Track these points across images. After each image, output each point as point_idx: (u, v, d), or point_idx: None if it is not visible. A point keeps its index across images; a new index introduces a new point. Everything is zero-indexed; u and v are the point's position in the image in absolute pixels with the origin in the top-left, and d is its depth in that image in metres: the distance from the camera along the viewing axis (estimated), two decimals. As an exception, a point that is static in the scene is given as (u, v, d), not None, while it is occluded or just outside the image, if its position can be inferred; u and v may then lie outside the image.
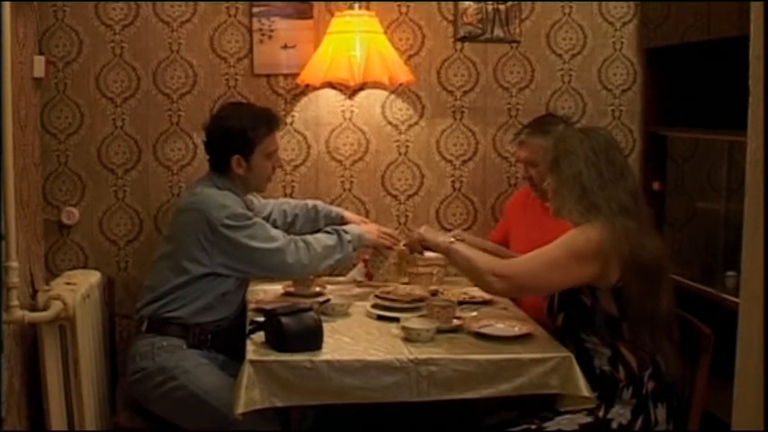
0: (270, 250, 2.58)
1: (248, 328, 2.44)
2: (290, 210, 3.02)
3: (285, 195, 3.26)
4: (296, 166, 3.30)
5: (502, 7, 3.30)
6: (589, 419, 2.25)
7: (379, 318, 2.61)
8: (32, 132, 3.01)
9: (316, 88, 3.23)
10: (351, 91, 3.27)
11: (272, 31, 3.20)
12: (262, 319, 2.39)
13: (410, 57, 3.28)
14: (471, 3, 3.29)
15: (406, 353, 2.26)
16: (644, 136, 3.38)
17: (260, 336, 2.35)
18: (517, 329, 2.45)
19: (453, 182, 3.37)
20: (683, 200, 3.24)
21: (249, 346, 2.32)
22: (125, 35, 3.16)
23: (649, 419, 2.26)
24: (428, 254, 2.74)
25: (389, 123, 3.32)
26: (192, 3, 3.19)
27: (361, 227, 2.84)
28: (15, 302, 2.46)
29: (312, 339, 2.29)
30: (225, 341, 2.65)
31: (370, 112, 3.31)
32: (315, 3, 3.22)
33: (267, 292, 2.90)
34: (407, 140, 3.33)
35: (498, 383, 2.24)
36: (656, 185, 3.30)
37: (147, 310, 2.61)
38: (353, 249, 2.75)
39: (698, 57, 3.08)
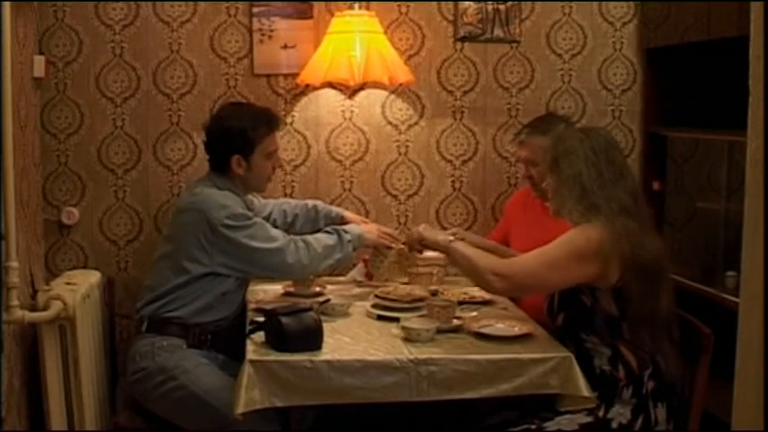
0: (270, 250, 2.58)
1: (248, 328, 2.44)
2: (290, 210, 3.02)
3: (285, 195, 3.26)
4: (296, 166, 3.30)
5: (502, 7, 3.30)
6: (589, 419, 2.25)
7: (379, 318, 2.61)
8: (32, 132, 3.01)
9: (316, 88, 3.23)
10: (351, 91, 3.27)
11: (272, 31, 3.20)
12: (262, 319, 2.39)
13: (410, 57, 3.28)
14: (471, 3, 3.29)
15: (406, 353, 2.26)
16: (644, 136, 3.38)
17: (260, 336, 2.35)
18: (517, 329, 2.45)
19: (453, 182, 3.37)
20: (683, 200, 3.24)
21: (249, 346, 2.32)
22: (125, 35, 3.16)
23: (649, 419, 2.26)
24: (428, 253, 2.74)
25: (389, 123, 3.32)
26: (191, 3, 3.19)
27: (361, 227, 2.84)
28: (15, 302, 2.46)
29: (312, 339, 2.29)
30: (225, 341, 2.65)
31: (370, 112, 3.31)
32: (315, 3, 3.22)
33: (267, 292, 2.90)
34: (407, 140, 3.33)
35: (498, 383, 2.24)
36: (656, 185, 3.30)
37: (147, 309, 2.61)
38: (353, 249, 2.75)
39: (698, 57, 3.08)
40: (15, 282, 2.45)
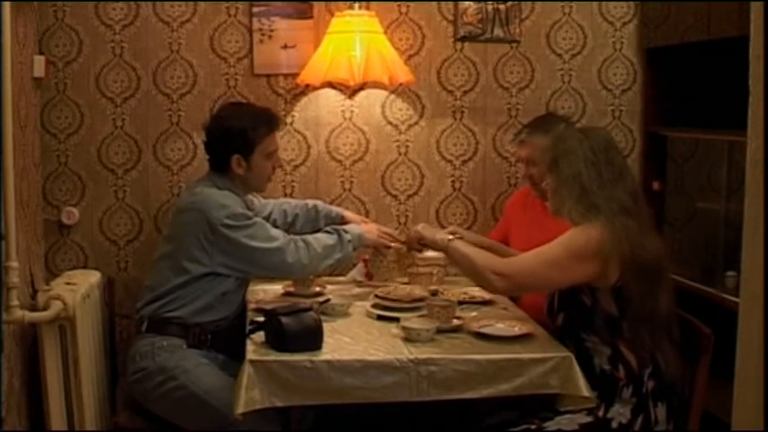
0: (270, 250, 2.58)
1: (248, 328, 2.44)
2: (290, 210, 3.02)
3: (285, 195, 3.26)
4: (296, 166, 3.30)
5: (502, 7, 3.30)
6: (589, 419, 2.25)
7: (379, 318, 2.60)
8: (32, 132, 3.01)
9: (316, 88, 3.23)
10: (351, 91, 3.27)
11: (272, 31, 3.20)
12: (262, 319, 2.39)
13: (410, 57, 3.28)
14: (471, 3, 3.29)
15: (406, 353, 2.26)
16: (644, 136, 3.38)
17: (260, 336, 2.35)
18: (517, 329, 2.45)
19: (453, 182, 3.37)
20: (683, 200, 3.24)
21: (249, 346, 2.32)
22: (125, 35, 3.16)
23: (649, 418, 2.26)
24: (428, 253, 2.74)
25: (389, 123, 3.32)
26: (191, 3, 3.19)
27: (361, 226, 2.84)
28: (15, 302, 2.46)
29: (312, 339, 2.29)
30: (225, 341, 2.65)
31: (370, 112, 3.31)
32: (315, 3, 3.22)
33: (267, 292, 2.90)
34: (407, 140, 3.33)
35: (498, 383, 2.24)
36: (656, 185, 3.30)
37: (147, 309, 2.61)
38: (353, 249, 2.75)
39: (698, 57, 3.08)
40: (15, 282, 2.45)
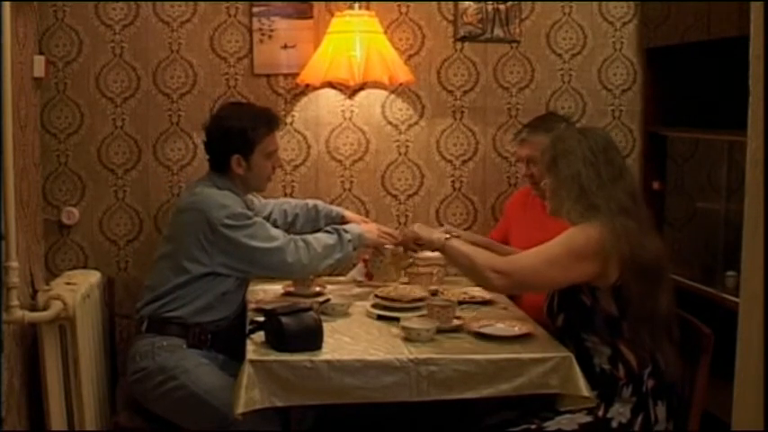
0: (270, 250, 2.58)
1: (248, 327, 2.44)
2: (290, 209, 3.02)
3: (285, 195, 3.26)
4: (296, 166, 3.30)
5: (502, 7, 3.30)
6: (589, 419, 2.25)
7: (379, 318, 2.60)
8: (32, 132, 3.01)
9: (316, 88, 3.23)
10: (351, 91, 3.27)
11: (272, 30, 3.20)
12: (262, 318, 2.39)
13: (410, 57, 3.28)
14: (471, 3, 3.29)
15: (406, 353, 2.26)
16: (644, 136, 3.38)
17: (260, 336, 2.35)
18: (517, 329, 2.45)
19: (453, 182, 3.37)
20: (683, 200, 3.24)
21: (249, 346, 2.31)
22: (125, 35, 3.17)
23: (649, 418, 2.26)
24: (428, 253, 2.73)
25: (389, 123, 3.32)
26: (191, 3, 3.19)
27: (361, 226, 2.84)
28: (15, 302, 2.47)
29: (312, 339, 2.29)
30: (225, 341, 2.65)
31: (370, 112, 3.31)
32: (315, 3, 3.22)
33: (267, 292, 2.90)
34: (407, 140, 3.33)
35: (498, 383, 2.24)
36: (656, 185, 3.30)
37: (147, 309, 2.61)
38: (354, 249, 2.75)
39: (698, 57, 3.08)
40: (15, 282, 2.45)
